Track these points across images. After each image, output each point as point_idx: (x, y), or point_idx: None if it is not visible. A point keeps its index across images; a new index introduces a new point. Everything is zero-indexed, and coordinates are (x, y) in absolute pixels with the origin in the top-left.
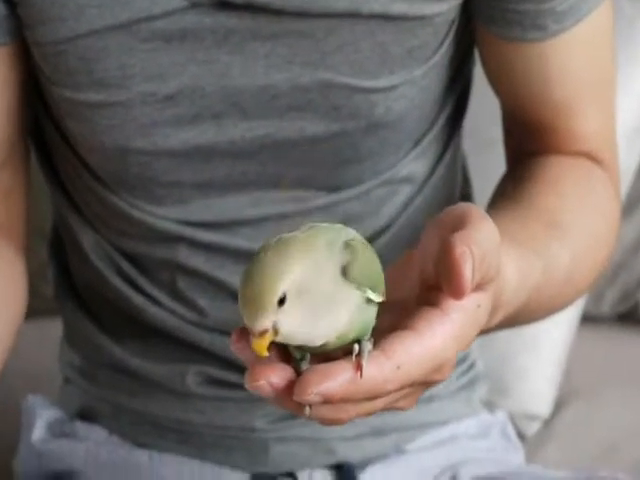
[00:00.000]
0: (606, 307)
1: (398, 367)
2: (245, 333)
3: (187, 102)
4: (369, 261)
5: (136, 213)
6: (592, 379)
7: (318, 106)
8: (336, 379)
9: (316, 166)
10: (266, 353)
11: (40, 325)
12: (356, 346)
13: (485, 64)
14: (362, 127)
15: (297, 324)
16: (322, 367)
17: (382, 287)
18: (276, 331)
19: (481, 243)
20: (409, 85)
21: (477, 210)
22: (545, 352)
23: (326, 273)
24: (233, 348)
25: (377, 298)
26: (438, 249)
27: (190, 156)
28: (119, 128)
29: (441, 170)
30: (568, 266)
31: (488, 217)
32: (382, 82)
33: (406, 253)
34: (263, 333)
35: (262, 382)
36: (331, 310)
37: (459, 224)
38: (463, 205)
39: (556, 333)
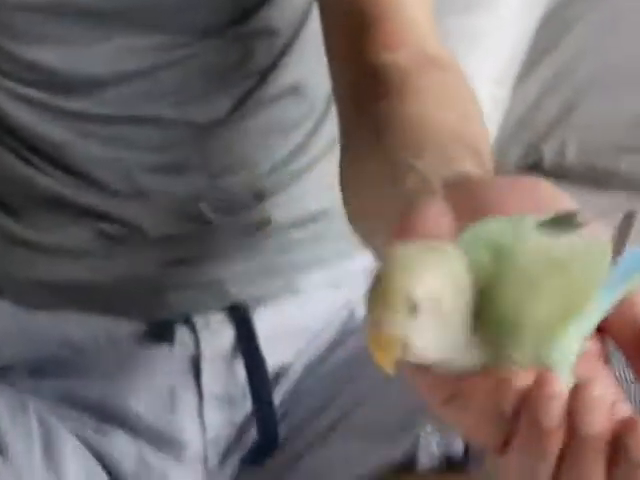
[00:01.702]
0: (511, 163)
1: None
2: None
3: None
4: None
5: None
6: None
7: None
8: None
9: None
10: (392, 370)
11: None
12: None
13: None
14: None
15: (432, 346)
16: None
17: None
18: (405, 348)
19: None
20: None
21: None
22: None
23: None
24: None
25: None
26: None
27: None
28: None
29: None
30: None
31: None
32: None
33: None
34: (390, 343)
35: None
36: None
37: None
38: None
39: None
